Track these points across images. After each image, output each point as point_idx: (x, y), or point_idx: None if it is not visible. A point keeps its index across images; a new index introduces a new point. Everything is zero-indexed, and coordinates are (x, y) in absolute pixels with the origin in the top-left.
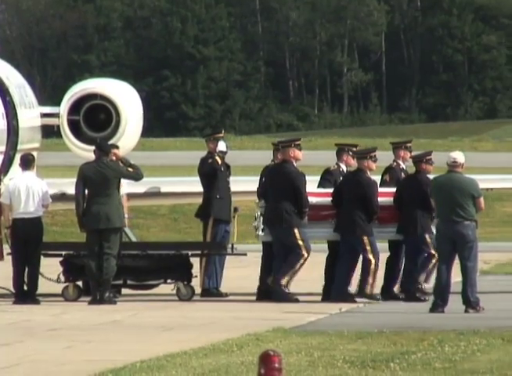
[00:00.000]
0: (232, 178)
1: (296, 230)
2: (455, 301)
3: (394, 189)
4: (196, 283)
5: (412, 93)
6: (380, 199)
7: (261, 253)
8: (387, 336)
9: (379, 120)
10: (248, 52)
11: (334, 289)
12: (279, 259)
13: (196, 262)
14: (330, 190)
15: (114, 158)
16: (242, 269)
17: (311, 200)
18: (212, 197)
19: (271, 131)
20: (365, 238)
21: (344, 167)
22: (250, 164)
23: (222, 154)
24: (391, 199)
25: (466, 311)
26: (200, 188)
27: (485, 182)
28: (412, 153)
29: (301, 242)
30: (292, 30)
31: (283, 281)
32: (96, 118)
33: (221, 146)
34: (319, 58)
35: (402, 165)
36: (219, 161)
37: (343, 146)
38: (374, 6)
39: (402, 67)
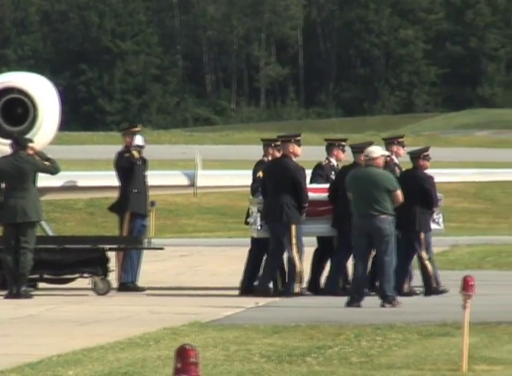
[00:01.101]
0: (148, 173)
1: (293, 227)
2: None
3: None
4: (112, 277)
5: (330, 87)
6: None
7: (249, 248)
8: (304, 330)
9: (296, 114)
10: (165, 46)
11: (330, 283)
12: (274, 256)
13: (112, 256)
14: (326, 186)
15: (31, 152)
16: (159, 263)
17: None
18: (129, 191)
19: (188, 126)
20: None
21: (334, 162)
22: (167, 159)
23: (139, 148)
24: None
25: (382, 305)
26: (116, 182)
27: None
28: (407, 149)
29: (294, 240)
30: (209, 24)
31: (297, 289)
32: (13, 112)
33: (138, 140)
34: (236, 52)
35: (396, 160)
36: (136, 155)
37: (333, 141)
38: (291, 0)
39: (319, 62)
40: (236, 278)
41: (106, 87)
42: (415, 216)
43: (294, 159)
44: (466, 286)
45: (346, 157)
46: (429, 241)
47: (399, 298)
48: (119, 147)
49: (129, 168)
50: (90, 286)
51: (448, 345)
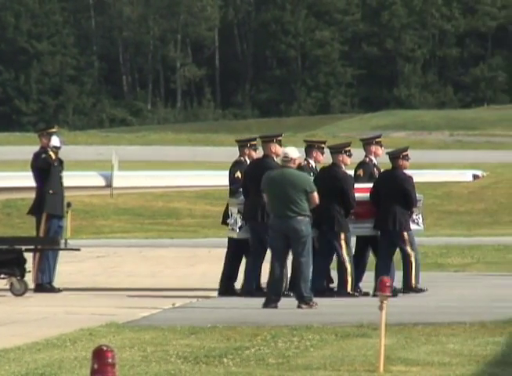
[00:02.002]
0: (65, 173)
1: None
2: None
3: (369, 185)
4: (29, 278)
5: (246, 89)
6: (358, 194)
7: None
8: (221, 331)
9: (212, 115)
10: (82, 47)
11: (312, 284)
12: (256, 256)
13: (29, 257)
14: None
15: None
16: (75, 264)
17: None
18: (45, 192)
19: (104, 127)
20: (343, 234)
21: (313, 163)
22: (84, 159)
23: (56, 149)
24: (367, 194)
25: (299, 306)
26: (33, 183)
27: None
28: (385, 150)
29: None
30: (125, 25)
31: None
32: None
33: (55, 141)
34: (152, 53)
35: (374, 161)
36: (53, 156)
37: (312, 143)
38: (207, 1)
39: (236, 63)
40: (154, 279)
41: (23, 88)
42: (395, 216)
43: (276, 159)
44: (382, 287)
45: (325, 158)
46: (412, 239)
47: (316, 299)
48: (35, 148)
49: (46, 168)
50: (7, 287)
51: (365, 346)
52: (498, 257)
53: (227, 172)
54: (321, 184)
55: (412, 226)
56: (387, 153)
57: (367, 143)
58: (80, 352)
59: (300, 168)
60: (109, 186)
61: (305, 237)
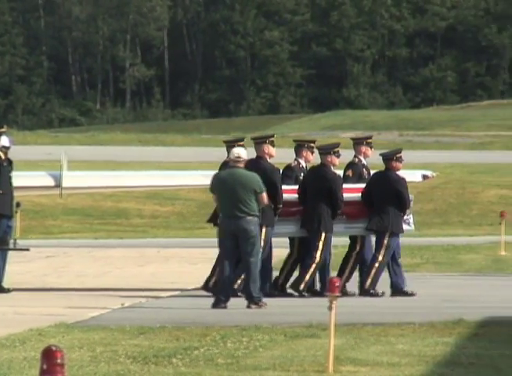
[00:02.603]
0: (14, 173)
1: (264, 230)
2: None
3: (361, 185)
4: None
5: (195, 89)
6: (348, 194)
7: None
8: (170, 331)
9: (161, 115)
10: (31, 47)
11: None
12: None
13: None
14: (296, 187)
15: None
16: (24, 264)
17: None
18: None
19: (53, 127)
20: (324, 235)
21: (303, 163)
22: (33, 159)
23: (5, 149)
24: (359, 194)
25: (248, 307)
26: None
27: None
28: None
29: (263, 243)
30: (74, 25)
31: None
32: None
33: (4, 140)
34: (101, 53)
35: (363, 161)
36: (2, 156)
37: (302, 143)
38: (156, 1)
39: (185, 63)
40: (103, 279)
41: None
42: (388, 218)
43: (269, 160)
44: (331, 287)
45: (315, 158)
46: (398, 243)
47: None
48: None
49: None
50: None
51: (315, 347)
52: (447, 257)
53: (176, 172)
54: (310, 184)
55: (404, 227)
56: (381, 154)
57: (357, 143)
58: (29, 352)
59: (289, 168)
60: (58, 186)
61: (254, 237)
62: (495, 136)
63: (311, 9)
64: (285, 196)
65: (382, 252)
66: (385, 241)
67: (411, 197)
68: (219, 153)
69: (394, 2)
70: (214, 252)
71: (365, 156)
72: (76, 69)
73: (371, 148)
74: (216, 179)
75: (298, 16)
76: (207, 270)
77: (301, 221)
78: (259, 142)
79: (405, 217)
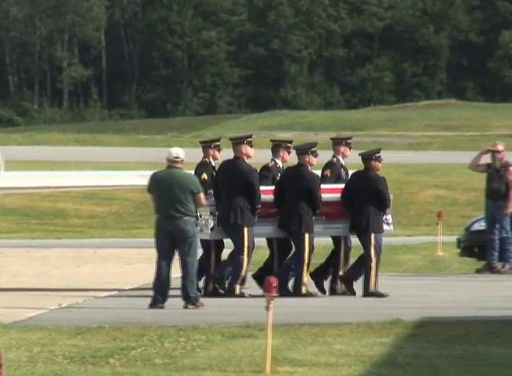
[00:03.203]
0: None
1: (245, 229)
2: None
3: (340, 186)
4: None
5: (133, 89)
6: (327, 195)
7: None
8: (107, 331)
9: (99, 115)
10: None
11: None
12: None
13: None
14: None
15: None
16: None
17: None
18: None
19: None
20: (307, 235)
21: (280, 163)
22: None
23: None
24: (338, 195)
25: (185, 307)
26: None
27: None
28: (353, 151)
29: (246, 242)
30: (12, 25)
31: (237, 291)
32: None
33: None
34: (39, 53)
35: (342, 161)
36: None
37: (279, 143)
38: (94, 1)
39: (122, 63)
40: (40, 279)
41: None
42: (368, 217)
43: (247, 160)
44: (269, 287)
45: (291, 158)
46: (380, 243)
47: (202, 300)
48: None
49: None
50: None
51: (252, 347)
52: (385, 257)
53: (113, 172)
54: (288, 185)
55: (384, 226)
56: (360, 154)
57: (336, 143)
58: None
59: (266, 168)
60: None
61: (191, 238)
62: (433, 137)
63: (248, 9)
64: (263, 196)
65: (372, 251)
66: (372, 240)
67: (391, 196)
68: (157, 154)
69: (332, 2)
70: (152, 253)
71: (344, 156)
72: (13, 69)
73: (350, 148)
74: (153, 179)
75: (235, 16)
76: (144, 270)
77: (278, 221)
78: (237, 142)
79: (384, 217)
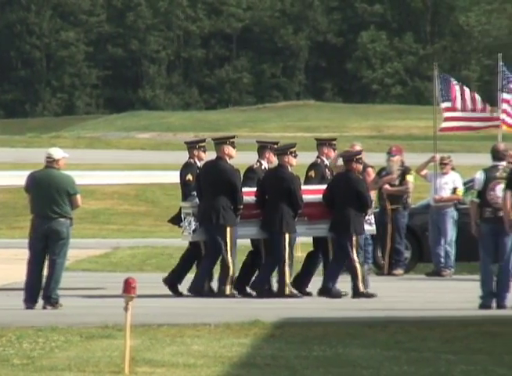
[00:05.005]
0: None
1: (228, 229)
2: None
3: (322, 187)
4: None
5: None
6: (309, 196)
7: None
8: None
9: None
10: None
11: (257, 283)
12: (210, 257)
13: None
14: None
15: None
16: None
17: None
18: None
19: None
20: (287, 235)
21: (265, 164)
22: None
23: None
24: (320, 196)
25: (44, 307)
26: None
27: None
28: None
29: (229, 242)
30: None
31: (227, 291)
32: None
33: None
34: None
35: (326, 162)
36: None
37: (265, 144)
38: None
39: None
40: None
41: None
42: (349, 219)
43: (229, 161)
44: (127, 288)
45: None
46: (360, 244)
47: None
48: None
49: None
50: None
51: (110, 347)
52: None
53: None
54: (268, 185)
55: (365, 227)
56: (341, 156)
57: (320, 144)
58: None
59: (251, 169)
60: None
61: (64, 239)
62: (292, 137)
63: (106, 10)
64: (247, 198)
65: (355, 252)
66: (354, 241)
67: (372, 197)
68: (16, 154)
69: (190, 3)
70: (12, 253)
71: (328, 157)
72: None
73: (334, 150)
74: (30, 179)
75: (94, 17)
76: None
77: (261, 222)
78: (219, 142)
79: (366, 217)
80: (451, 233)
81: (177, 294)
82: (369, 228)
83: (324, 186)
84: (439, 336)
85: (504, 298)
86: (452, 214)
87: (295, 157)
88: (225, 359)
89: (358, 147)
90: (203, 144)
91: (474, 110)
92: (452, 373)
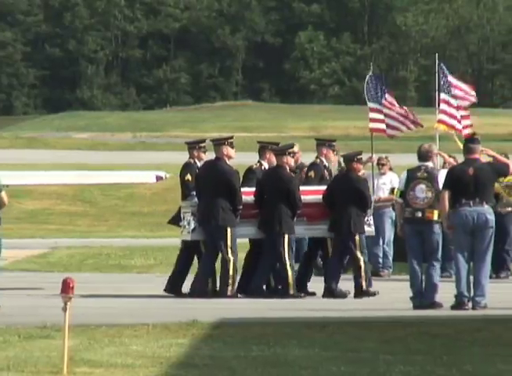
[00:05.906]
0: None
1: (229, 230)
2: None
3: (321, 188)
4: None
5: None
6: (308, 196)
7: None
8: None
9: None
10: None
11: (254, 284)
12: (209, 258)
13: None
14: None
15: None
16: None
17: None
18: None
19: None
20: (286, 236)
21: (266, 165)
22: None
23: None
24: (320, 196)
25: None
26: None
27: (3, 178)
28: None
29: (229, 243)
30: None
31: (229, 292)
32: None
33: None
34: None
35: (325, 162)
36: None
37: (265, 144)
38: None
39: None
40: None
41: None
42: (350, 218)
43: (228, 161)
44: (65, 288)
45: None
46: (363, 243)
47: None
48: None
49: None
50: None
51: (49, 348)
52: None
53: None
54: (267, 186)
55: (365, 228)
56: (342, 156)
57: (319, 144)
58: None
59: (251, 170)
60: None
61: None
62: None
63: (44, 10)
64: (246, 198)
65: (358, 251)
66: (357, 241)
67: (372, 197)
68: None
69: (128, 4)
70: None
71: (327, 158)
72: None
73: (333, 151)
74: None
75: (31, 17)
76: None
77: (259, 222)
78: (218, 143)
79: (366, 218)
80: (389, 233)
81: (181, 295)
82: (369, 229)
83: (323, 187)
84: (378, 336)
85: (480, 301)
86: (390, 214)
87: (293, 157)
88: (164, 359)
89: (295, 148)
90: (203, 145)
91: (399, 113)
92: (390, 373)
